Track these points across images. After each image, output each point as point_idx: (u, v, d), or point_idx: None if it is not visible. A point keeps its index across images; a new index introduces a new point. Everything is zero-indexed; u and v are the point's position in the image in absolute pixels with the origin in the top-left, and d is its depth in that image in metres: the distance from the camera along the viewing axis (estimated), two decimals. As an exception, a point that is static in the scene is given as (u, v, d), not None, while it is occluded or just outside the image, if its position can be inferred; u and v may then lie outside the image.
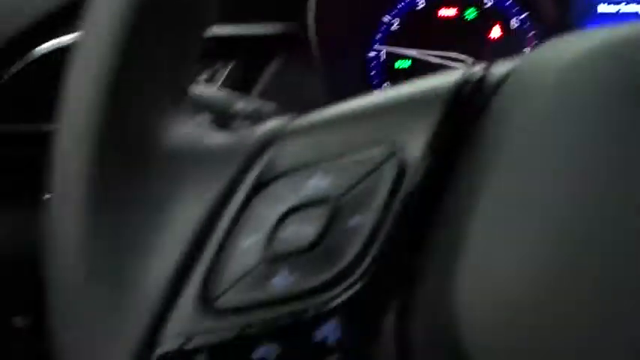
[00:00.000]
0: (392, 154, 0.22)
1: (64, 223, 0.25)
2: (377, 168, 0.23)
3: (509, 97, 0.22)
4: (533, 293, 0.18)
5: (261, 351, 0.22)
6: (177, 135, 0.26)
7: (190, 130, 0.27)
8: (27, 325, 0.61)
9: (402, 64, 0.66)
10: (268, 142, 0.25)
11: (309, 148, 0.24)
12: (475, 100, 0.22)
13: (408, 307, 0.22)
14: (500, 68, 0.23)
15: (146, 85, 0.26)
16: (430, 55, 0.65)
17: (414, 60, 0.65)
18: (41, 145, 0.59)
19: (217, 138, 0.26)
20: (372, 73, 0.65)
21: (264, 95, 0.55)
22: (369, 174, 0.23)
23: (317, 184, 0.23)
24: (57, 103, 0.60)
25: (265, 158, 0.25)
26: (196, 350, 0.23)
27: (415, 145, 0.22)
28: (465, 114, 0.22)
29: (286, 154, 0.25)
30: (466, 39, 0.64)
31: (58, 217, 0.26)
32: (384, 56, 0.66)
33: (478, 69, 0.23)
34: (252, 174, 0.25)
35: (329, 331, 0.22)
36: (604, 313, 0.17)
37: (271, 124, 0.26)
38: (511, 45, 0.64)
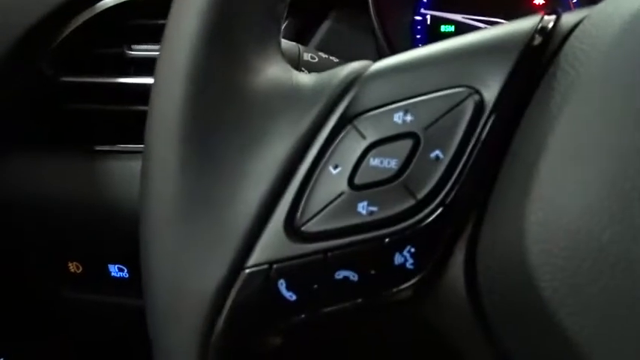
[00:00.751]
0: (471, 94, 0.24)
1: (163, 151, 0.27)
2: (457, 105, 0.24)
3: (579, 43, 0.23)
4: (600, 226, 0.19)
5: (343, 273, 0.24)
6: (269, 75, 0.28)
7: (280, 71, 0.28)
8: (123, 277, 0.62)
9: (446, 28, 0.67)
10: (352, 82, 0.26)
11: (392, 87, 0.25)
12: (547, 45, 0.24)
13: (478, 239, 0.23)
14: (571, 17, 0.24)
15: (242, 29, 0.28)
16: (474, 20, 0.66)
17: (458, 24, 0.66)
18: (103, 97, 0.61)
19: (304, 78, 0.28)
20: (417, 36, 0.66)
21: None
22: (449, 110, 0.24)
23: (401, 119, 0.25)
24: (118, 57, 0.61)
25: (350, 96, 0.26)
26: (282, 271, 0.25)
27: (492, 87, 0.24)
28: (537, 59, 0.24)
29: (370, 92, 0.26)
30: (511, 4, 0.65)
31: (156, 146, 0.27)
32: (430, 20, 0.67)
33: (551, 17, 0.24)
34: (337, 110, 0.26)
35: (406, 257, 0.23)
36: None
37: (355, 66, 0.27)
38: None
